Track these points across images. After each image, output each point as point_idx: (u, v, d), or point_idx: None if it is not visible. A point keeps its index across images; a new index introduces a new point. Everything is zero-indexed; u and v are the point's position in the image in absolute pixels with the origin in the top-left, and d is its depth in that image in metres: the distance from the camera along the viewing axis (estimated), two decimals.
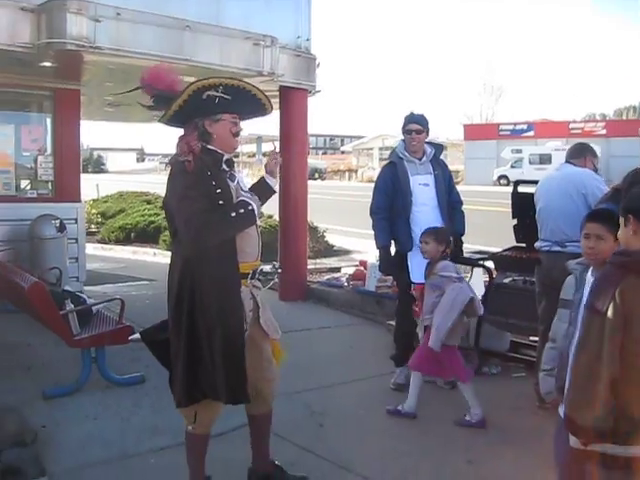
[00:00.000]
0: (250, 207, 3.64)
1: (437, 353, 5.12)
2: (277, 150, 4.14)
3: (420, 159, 6.02)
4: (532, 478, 4.33)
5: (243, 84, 3.75)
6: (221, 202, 3.56)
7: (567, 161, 5.62)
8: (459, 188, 6.53)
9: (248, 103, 3.77)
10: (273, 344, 4.05)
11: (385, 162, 6.50)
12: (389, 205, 5.96)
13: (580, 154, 5.61)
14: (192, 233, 3.51)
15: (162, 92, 3.69)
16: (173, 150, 3.73)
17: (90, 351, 5.72)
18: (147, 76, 3.70)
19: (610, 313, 2.45)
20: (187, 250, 3.62)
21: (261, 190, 3.93)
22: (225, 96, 3.63)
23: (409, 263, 5.90)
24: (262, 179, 3.98)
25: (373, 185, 6.24)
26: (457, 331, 5.28)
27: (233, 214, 3.59)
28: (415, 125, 5.96)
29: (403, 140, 6.13)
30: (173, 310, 3.68)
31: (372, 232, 6.10)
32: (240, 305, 3.65)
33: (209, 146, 3.69)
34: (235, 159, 4.01)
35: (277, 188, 4.06)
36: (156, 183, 33.76)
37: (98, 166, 70.44)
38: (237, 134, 3.76)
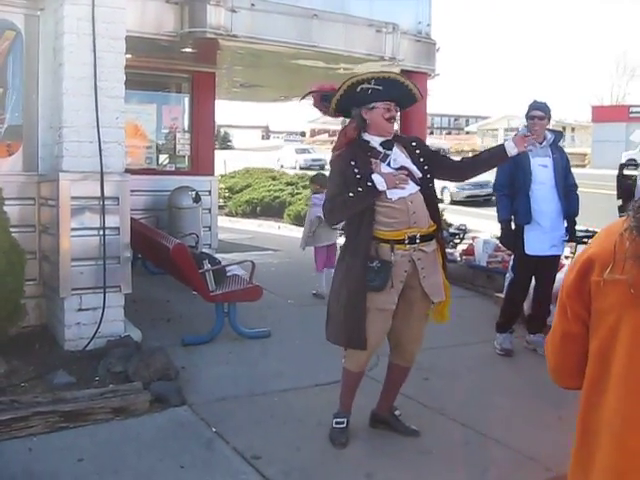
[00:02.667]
0: (369, 184, 4.17)
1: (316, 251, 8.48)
2: (532, 137, 4.60)
3: (540, 143, 6.36)
4: None
5: (393, 75, 4.41)
6: (360, 188, 4.18)
7: None
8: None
9: (398, 91, 4.34)
10: (439, 306, 4.59)
11: None
12: (510, 182, 6.35)
13: None
14: (324, 214, 4.62)
15: (327, 92, 4.44)
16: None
17: (223, 306, 6.44)
18: (315, 87, 4.55)
19: None
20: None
21: (494, 152, 4.51)
22: (377, 87, 4.26)
23: (525, 236, 6.30)
24: (502, 144, 4.48)
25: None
26: (318, 235, 8.33)
27: (351, 194, 4.20)
28: (538, 112, 6.35)
29: (526, 126, 6.52)
30: None
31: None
32: (363, 265, 4.18)
33: (364, 137, 4.37)
34: None
35: (512, 153, 4.33)
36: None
37: (225, 143, 72.23)
38: (391, 119, 4.33)
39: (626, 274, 1.71)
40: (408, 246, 4.24)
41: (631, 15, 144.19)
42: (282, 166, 35.58)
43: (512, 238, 6.44)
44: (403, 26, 9.17)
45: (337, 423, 4.54)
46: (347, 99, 4.32)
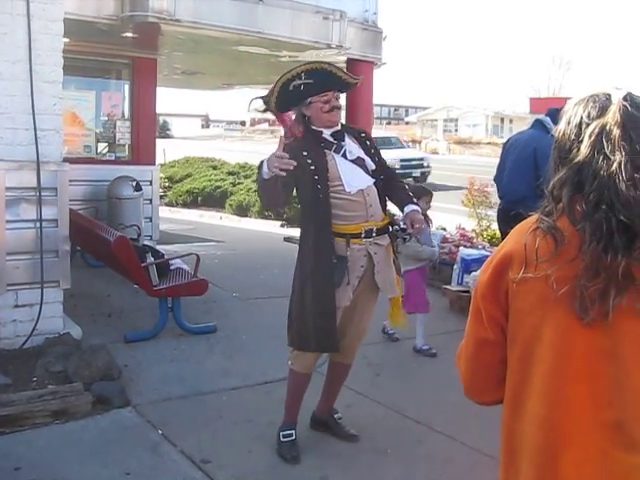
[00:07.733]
0: (261, 168, 3.80)
1: None
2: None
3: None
4: None
5: (321, 65, 4.13)
6: (316, 177, 3.98)
7: None
8: None
9: (330, 80, 4.12)
10: (393, 302, 4.46)
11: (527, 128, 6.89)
12: None
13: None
14: None
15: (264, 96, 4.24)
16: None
17: (167, 301, 6.20)
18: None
19: None
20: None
21: (399, 203, 4.34)
22: (308, 81, 4.02)
23: None
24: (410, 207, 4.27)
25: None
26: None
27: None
28: None
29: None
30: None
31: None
32: (330, 264, 4.00)
33: (312, 126, 4.15)
34: None
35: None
36: (221, 149, 34.56)
37: (164, 131, 71.16)
38: (331, 109, 4.10)
39: (541, 273, 1.57)
40: (364, 240, 4.08)
41: (567, 9, 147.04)
42: None
43: None
44: (350, 14, 9.02)
45: (285, 436, 4.23)
46: (284, 99, 4.13)
